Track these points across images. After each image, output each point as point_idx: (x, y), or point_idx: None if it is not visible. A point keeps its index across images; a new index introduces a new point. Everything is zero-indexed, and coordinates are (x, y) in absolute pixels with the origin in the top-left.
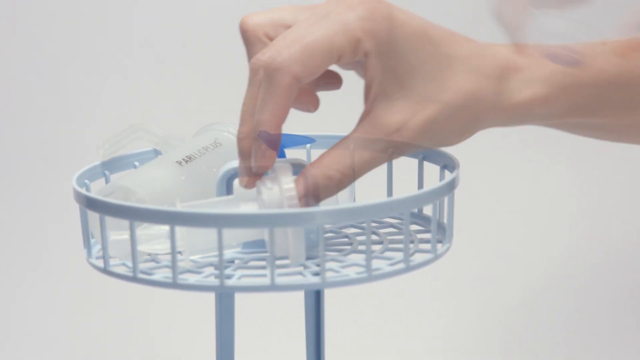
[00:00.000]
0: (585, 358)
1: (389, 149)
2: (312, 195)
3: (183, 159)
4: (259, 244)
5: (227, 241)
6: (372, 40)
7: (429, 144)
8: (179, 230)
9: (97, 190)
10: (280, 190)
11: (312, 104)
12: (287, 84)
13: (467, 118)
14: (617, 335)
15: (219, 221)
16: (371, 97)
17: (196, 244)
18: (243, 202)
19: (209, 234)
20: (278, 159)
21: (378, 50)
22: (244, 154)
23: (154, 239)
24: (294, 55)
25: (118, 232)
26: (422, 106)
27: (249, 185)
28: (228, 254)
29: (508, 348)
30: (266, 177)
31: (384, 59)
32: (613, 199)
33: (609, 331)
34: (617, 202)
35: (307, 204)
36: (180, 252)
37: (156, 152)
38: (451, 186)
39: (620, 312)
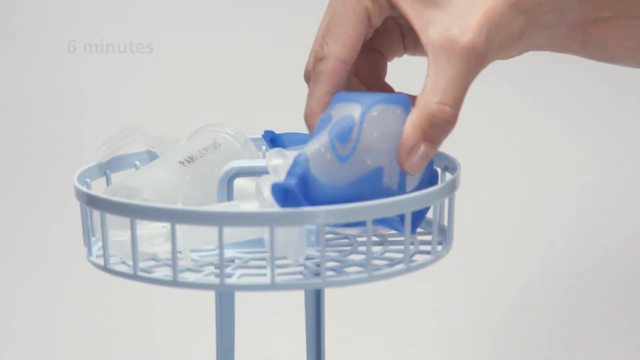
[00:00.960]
0: (585, 358)
1: (465, 59)
2: (432, 139)
3: (185, 159)
4: (258, 243)
5: (227, 239)
6: None
7: (496, 44)
8: (179, 229)
9: (102, 191)
10: None
11: None
12: (331, 70)
13: (510, 10)
14: (616, 335)
15: (219, 219)
16: (422, 35)
17: (196, 242)
18: (243, 200)
19: (208, 232)
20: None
21: None
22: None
23: (153, 238)
24: (329, 41)
25: (118, 232)
26: (468, 8)
27: None
28: (228, 253)
29: (508, 349)
30: (267, 176)
31: None
32: (613, 199)
33: (608, 331)
34: (616, 203)
35: (425, 156)
36: (180, 252)
37: (150, 153)
38: (452, 187)
39: (619, 312)
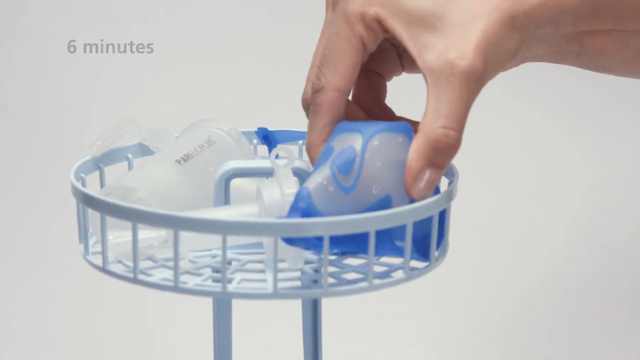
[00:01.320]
0: (585, 358)
1: (464, 82)
2: (438, 164)
3: (182, 158)
4: (255, 244)
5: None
6: (374, 5)
7: (493, 64)
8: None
9: (97, 191)
10: (281, 193)
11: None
12: (330, 101)
13: (503, 26)
14: (617, 335)
15: (223, 228)
16: (419, 59)
17: (194, 245)
18: (243, 204)
19: (207, 236)
20: (278, 160)
21: (385, 7)
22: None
23: (151, 240)
24: (325, 72)
25: (115, 232)
26: (463, 30)
27: None
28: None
29: (508, 349)
30: (267, 180)
31: (397, 12)
32: (613, 199)
33: (609, 331)
34: (617, 203)
35: (432, 181)
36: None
37: (141, 146)
38: (450, 196)
39: (619, 312)
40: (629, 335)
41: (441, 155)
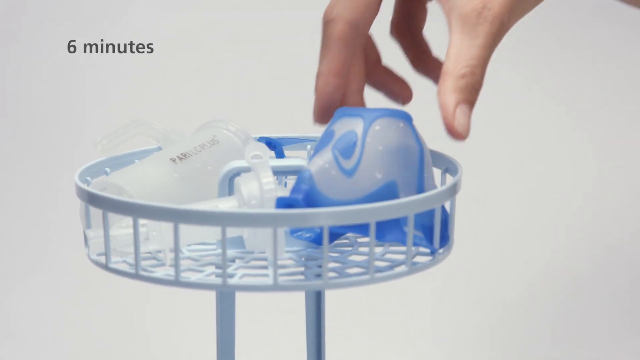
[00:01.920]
0: (586, 357)
1: (490, 30)
2: (468, 99)
3: (177, 157)
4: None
5: (203, 238)
6: None
7: (519, 11)
8: (160, 227)
9: (90, 186)
10: (259, 185)
11: (402, 93)
12: (340, 33)
13: None
14: (617, 334)
15: (222, 220)
16: (446, 4)
17: (184, 239)
18: (221, 200)
19: (187, 231)
20: (275, 159)
21: None
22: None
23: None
24: (342, 3)
25: (115, 227)
26: None
27: (320, 120)
28: (229, 253)
29: (509, 348)
30: (246, 174)
31: None
32: (614, 198)
33: (609, 331)
34: (618, 201)
35: (469, 115)
36: (160, 251)
37: (160, 150)
38: (454, 190)
39: (620, 311)
40: (629, 334)
41: (469, 90)
